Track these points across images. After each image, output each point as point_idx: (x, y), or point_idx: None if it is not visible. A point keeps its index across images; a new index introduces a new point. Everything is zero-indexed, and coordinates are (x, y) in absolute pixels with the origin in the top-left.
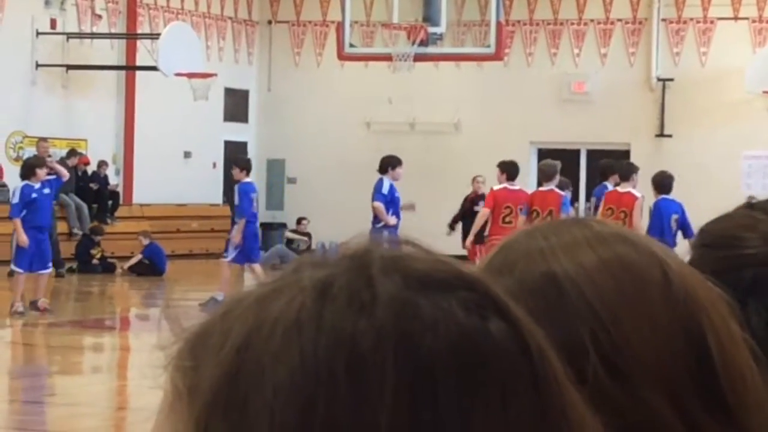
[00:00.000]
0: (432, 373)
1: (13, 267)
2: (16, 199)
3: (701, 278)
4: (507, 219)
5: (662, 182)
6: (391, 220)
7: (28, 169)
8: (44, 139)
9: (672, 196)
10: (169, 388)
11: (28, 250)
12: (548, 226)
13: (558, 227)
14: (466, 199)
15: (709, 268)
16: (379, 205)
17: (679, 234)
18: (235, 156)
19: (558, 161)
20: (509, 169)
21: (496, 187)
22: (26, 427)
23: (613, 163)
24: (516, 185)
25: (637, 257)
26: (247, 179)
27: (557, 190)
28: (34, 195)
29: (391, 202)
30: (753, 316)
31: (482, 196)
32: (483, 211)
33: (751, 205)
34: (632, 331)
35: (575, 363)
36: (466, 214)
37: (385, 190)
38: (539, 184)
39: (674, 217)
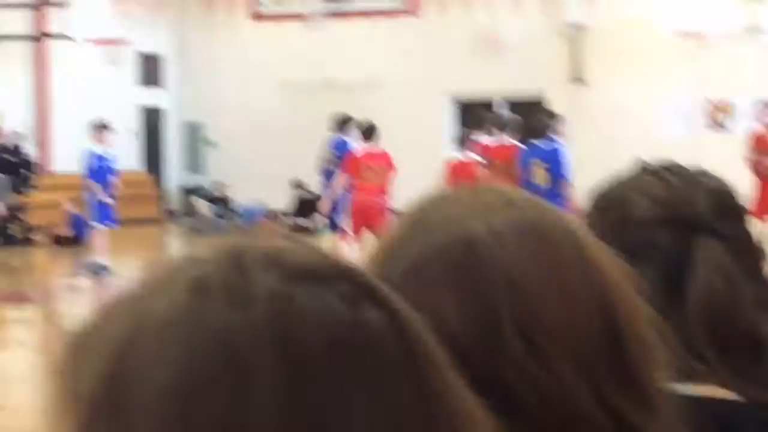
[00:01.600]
0: (310, 364)
1: None
2: None
3: (609, 250)
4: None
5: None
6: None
7: None
8: None
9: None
10: (54, 393)
11: None
12: (463, 192)
13: (473, 193)
14: None
15: (600, 229)
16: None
17: None
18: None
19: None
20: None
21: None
22: None
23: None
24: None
25: (552, 226)
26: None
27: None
28: None
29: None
30: (643, 277)
31: None
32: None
33: (643, 169)
34: (547, 302)
35: (490, 334)
36: None
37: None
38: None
39: (536, 162)
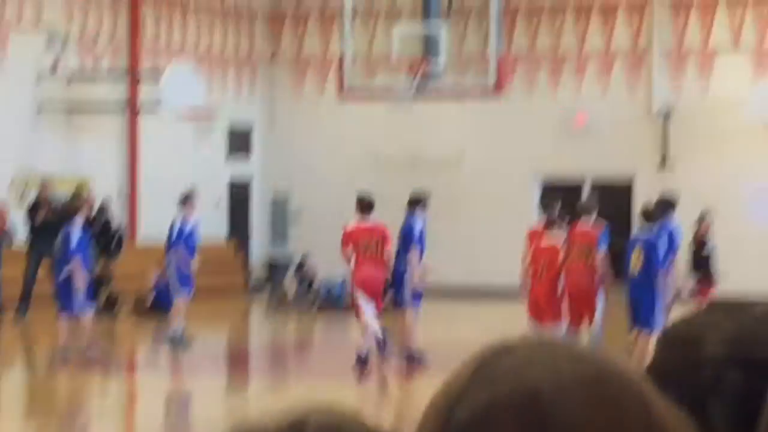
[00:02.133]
0: None
1: (84, 308)
2: (75, 242)
3: (678, 414)
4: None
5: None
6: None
7: (74, 211)
8: (45, 182)
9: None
10: None
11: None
12: (528, 342)
13: (538, 344)
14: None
15: (672, 366)
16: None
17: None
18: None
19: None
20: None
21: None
22: None
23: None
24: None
25: (617, 380)
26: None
27: (594, 228)
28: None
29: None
30: (713, 416)
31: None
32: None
33: (713, 306)
34: None
35: None
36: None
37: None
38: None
39: (636, 249)
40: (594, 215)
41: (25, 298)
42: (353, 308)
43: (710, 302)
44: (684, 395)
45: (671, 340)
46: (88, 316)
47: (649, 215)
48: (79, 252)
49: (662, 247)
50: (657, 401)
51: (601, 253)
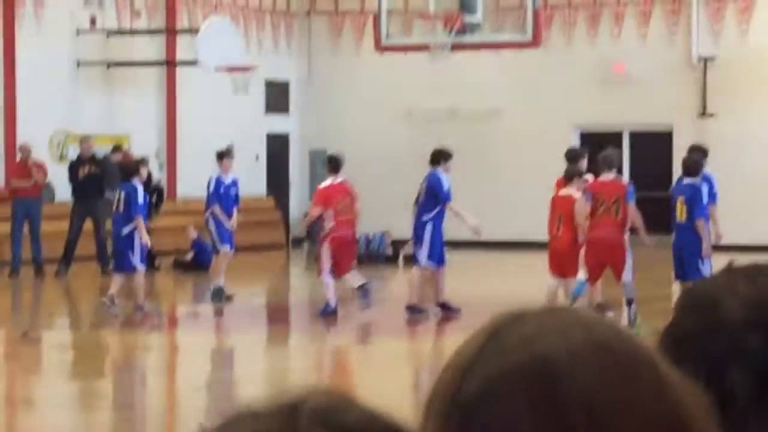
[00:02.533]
0: None
1: (139, 265)
2: (141, 200)
3: (690, 384)
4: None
5: (683, 164)
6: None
7: (134, 170)
8: (86, 138)
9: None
10: None
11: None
12: (538, 311)
13: (548, 313)
14: None
15: (690, 330)
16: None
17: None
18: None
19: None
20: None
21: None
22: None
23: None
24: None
25: (627, 347)
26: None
27: (621, 179)
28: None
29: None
30: (730, 382)
31: None
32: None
33: (731, 269)
34: (623, 422)
35: None
36: None
37: (446, 185)
38: (597, 174)
39: (680, 199)
40: (615, 168)
41: (68, 254)
42: (317, 265)
43: (728, 266)
44: (703, 360)
45: (689, 305)
46: (142, 273)
47: (691, 168)
48: (143, 210)
49: (705, 196)
50: (669, 370)
51: (631, 206)
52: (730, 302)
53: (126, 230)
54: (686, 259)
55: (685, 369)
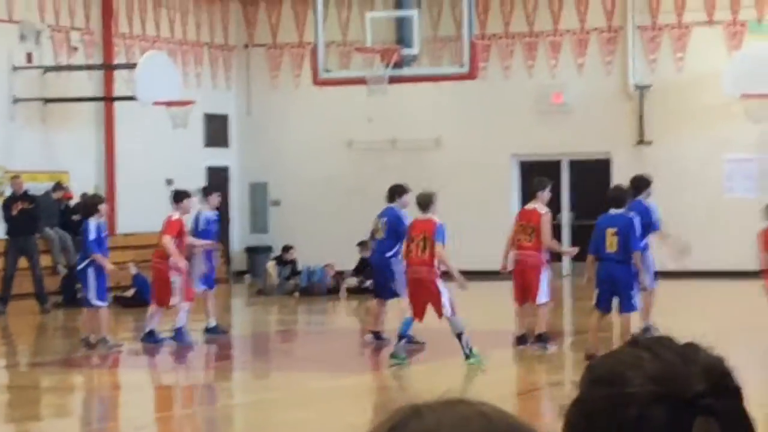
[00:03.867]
0: None
1: (95, 301)
2: (92, 235)
3: None
4: None
5: (609, 196)
6: None
7: (92, 207)
8: (17, 176)
9: (644, 202)
10: None
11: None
12: (439, 406)
13: (449, 406)
14: None
15: (596, 405)
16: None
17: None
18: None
19: (434, 192)
20: None
21: None
22: None
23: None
24: None
25: None
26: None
27: (435, 218)
28: (103, 234)
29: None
30: None
31: None
32: None
33: (635, 343)
34: None
35: None
36: None
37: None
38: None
39: (610, 231)
40: (543, 194)
41: (5, 291)
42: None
43: (632, 338)
44: None
45: (596, 379)
46: (103, 308)
47: (616, 199)
48: (95, 247)
49: (638, 227)
50: None
51: (438, 244)
52: (636, 376)
53: (80, 266)
54: (621, 292)
55: None
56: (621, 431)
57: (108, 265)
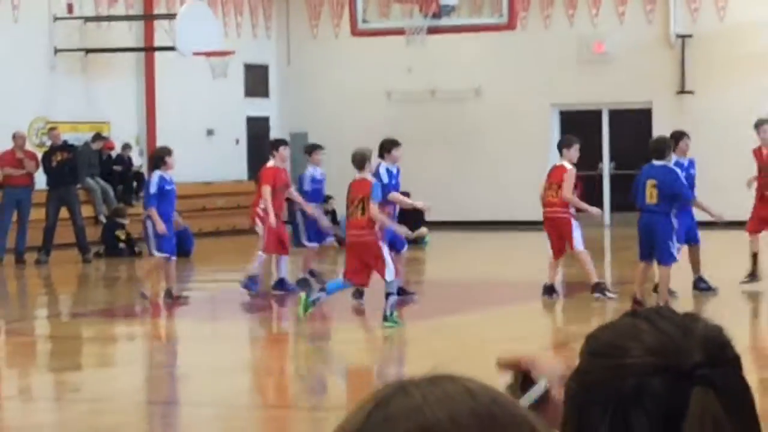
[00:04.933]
0: None
1: (156, 252)
2: (153, 189)
3: None
4: None
5: (650, 147)
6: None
7: (158, 159)
8: (54, 127)
9: (686, 155)
10: None
11: (168, 237)
12: (423, 382)
13: (433, 383)
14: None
15: (596, 376)
16: (395, 195)
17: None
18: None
19: (370, 149)
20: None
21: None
22: (47, 425)
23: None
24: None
25: (509, 416)
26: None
27: (369, 177)
28: (168, 186)
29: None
30: (635, 424)
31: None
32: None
33: (634, 314)
34: None
35: None
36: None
37: (384, 178)
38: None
39: (650, 182)
40: (570, 152)
41: (47, 242)
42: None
43: (632, 309)
44: (608, 403)
45: (595, 350)
46: (159, 259)
47: (657, 151)
48: (153, 201)
49: (678, 179)
50: None
51: (373, 205)
52: (635, 347)
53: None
54: (659, 244)
55: (592, 412)
56: (619, 402)
57: (159, 224)
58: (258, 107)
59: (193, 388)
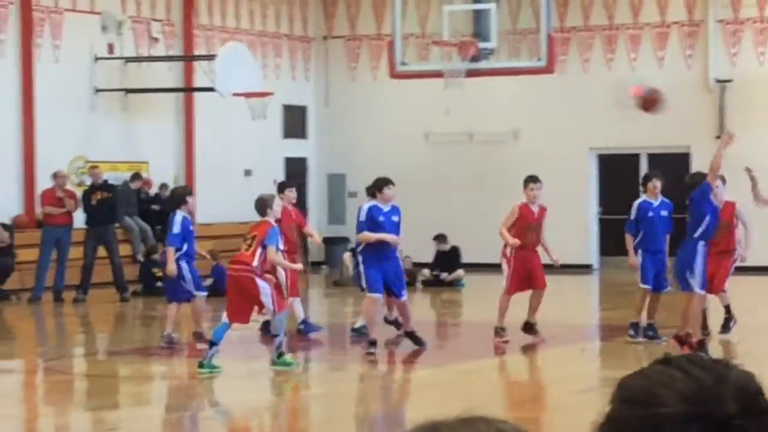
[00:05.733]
0: None
1: (197, 292)
2: (177, 229)
3: None
4: None
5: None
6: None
7: (180, 199)
8: (95, 166)
9: (657, 197)
10: None
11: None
12: (455, 423)
13: (464, 423)
14: None
15: (630, 423)
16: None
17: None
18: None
19: (272, 194)
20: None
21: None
22: None
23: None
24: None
25: None
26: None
27: (271, 221)
28: (191, 227)
29: (378, 225)
30: None
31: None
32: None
33: (667, 361)
34: None
35: None
36: None
37: (362, 216)
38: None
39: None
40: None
41: (85, 280)
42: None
43: (665, 356)
44: None
45: (628, 396)
46: (197, 299)
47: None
48: (175, 240)
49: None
50: None
51: (270, 249)
52: (668, 396)
53: (162, 260)
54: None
55: None
56: None
57: (171, 265)
58: (296, 148)
59: (231, 427)
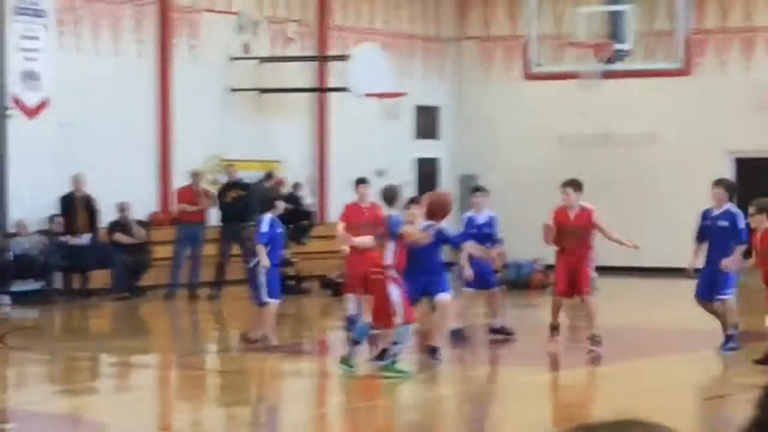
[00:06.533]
0: None
1: (267, 299)
2: (265, 227)
3: None
4: None
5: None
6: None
7: (268, 203)
8: (231, 164)
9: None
10: None
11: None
12: (614, 425)
13: (623, 426)
14: None
15: None
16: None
17: None
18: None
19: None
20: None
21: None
22: None
23: None
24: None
25: None
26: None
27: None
28: (278, 230)
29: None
30: None
31: None
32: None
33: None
34: None
35: None
36: None
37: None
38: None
39: None
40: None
41: (219, 277)
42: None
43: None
44: None
45: None
46: (270, 306)
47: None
48: (263, 239)
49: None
50: None
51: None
52: None
53: (252, 263)
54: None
55: None
56: None
57: (264, 260)
58: (428, 149)
59: (358, 423)
